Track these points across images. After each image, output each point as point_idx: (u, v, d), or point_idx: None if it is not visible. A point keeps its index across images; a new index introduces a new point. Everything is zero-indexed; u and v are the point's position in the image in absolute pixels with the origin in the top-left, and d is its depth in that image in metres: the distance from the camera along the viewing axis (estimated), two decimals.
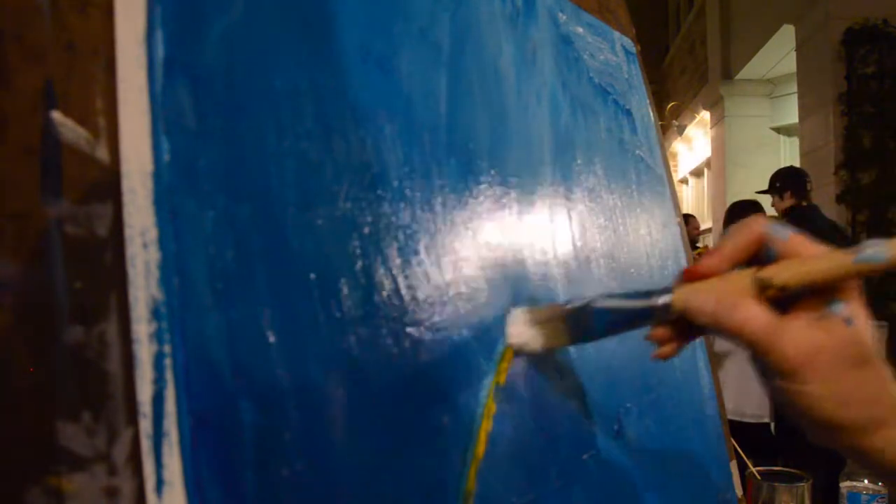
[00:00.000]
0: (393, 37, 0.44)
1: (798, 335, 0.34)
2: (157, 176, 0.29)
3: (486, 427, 0.43)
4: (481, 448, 0.42)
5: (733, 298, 0.35)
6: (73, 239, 0.26)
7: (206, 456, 0.28)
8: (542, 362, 0.49)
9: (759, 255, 0.37)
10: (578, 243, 0.59)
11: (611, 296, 0.42)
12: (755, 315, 0.34)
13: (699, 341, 0.78)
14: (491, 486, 0.42)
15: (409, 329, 0.40)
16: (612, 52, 0.74)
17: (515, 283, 0.49)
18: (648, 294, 0.39)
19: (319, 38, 0.39)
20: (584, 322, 0.43)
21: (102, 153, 0.28)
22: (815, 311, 0.35)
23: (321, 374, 0.34)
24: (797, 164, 3.97)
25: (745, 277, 0.36)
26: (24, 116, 0.26)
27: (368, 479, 0.35)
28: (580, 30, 0.67)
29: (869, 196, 3.84)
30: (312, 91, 0.38)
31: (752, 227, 0.37)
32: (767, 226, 0.36)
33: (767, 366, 0.35)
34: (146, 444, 0.26)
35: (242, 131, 0.33)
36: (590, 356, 0.55)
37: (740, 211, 2.32)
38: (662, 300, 0.38)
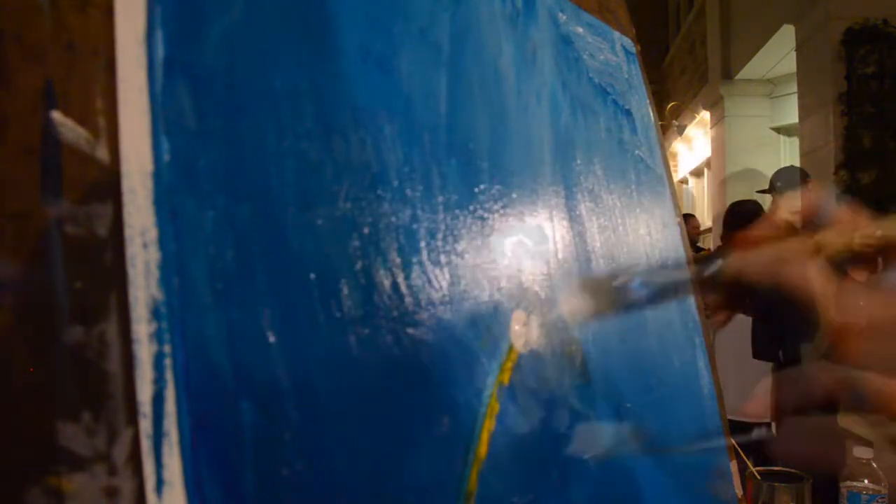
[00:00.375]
0: (393, 37, 0.44)
1: (852, 293, 0.34)
2: (157, 176, 0.29)
3: (488, 427, 0.43)
4: (483, 448, 0.42)
5: (787, 254, 0.36)
6: (73, 239, 0.26)
7: (206, 456, 0.28)
8: (543, 362, 0.49)
9: (808, 225, 0.38)
10: (578, 243, 0.59)
11: (658, 268, 0.43)
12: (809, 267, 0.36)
13: (699, 341, 0.78)
14: (492, 486, 0.42)
15: (409, 329, 0.40)
16: (612, 52, 0.74)
17: (516, 283, 0.49)
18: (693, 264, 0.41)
19: (319, 38, 0.39)
20: (629, 292, 0.44)
21: (102, 153, 0.28)
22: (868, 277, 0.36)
23: (321, 374, 0.34)
24: (797, 165, 3.97)
25: (797, 242, 0.37)
26: (24, 116, 0.26)
27: (369, 480, 0.35)
28: (580, 30, 0.67)
29: (869, 196, 3.84)
30: (312, 91, 0.38)
31: (807, 195, 0.38)
32: (820, 195, 0.38)
33: (820, 321, 0.35)
34: (146, 444, 0.26)
35: (242, 131, 0.33)
36: (590, 357, 0.55)
37: (740, 210, 2.32)
38: (713, 266, 0.40)
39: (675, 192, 0.84)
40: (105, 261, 0.27)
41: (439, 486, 0.39)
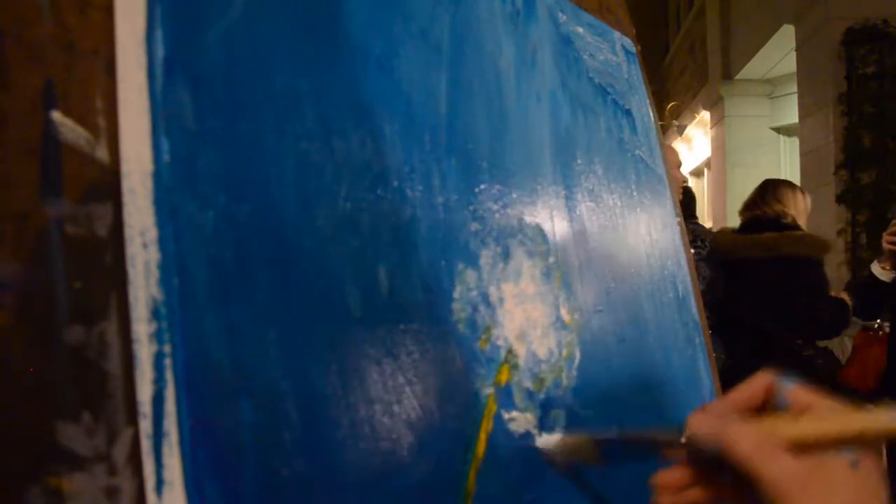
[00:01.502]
0: (393, 37, 0.44)
1: (793, 464, 0.32)
2: (157, 176, 0.29)
3: (486, 427, 0.43)
4: (481, 448, 0.42)
5: (731, 421, 0.34)
6: (73, 239, 0.26)
7: (206, 456, 0.28)
8: (540, 364, 0.50)
9: (769, 405, 0.36)
10: (578, 243, 0.59)
11: (637, 429, 0.42)
12: (749, 434, 0.33)
13: (699, 341, 0.78)
14: (490, 486, 0.42)
15: (409, 329, 0.40)
16: (612, 52, 0.74)
17: (516, 283, 0.49)
18: (673, 429, 0.38)
19: (319, 39, 0.39)
20: (610, 449, 0.44)
21: (102, 153, 0.28)
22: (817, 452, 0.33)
23: (321, 374, 0.34)
24: (797, 165, 3.97)
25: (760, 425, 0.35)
26: (24, 116, 0.26)
27: (368, 480, 0.35)
28: (580, 30, 0.67)
29: (869, 196, 3.84)
30: (312, 91, 0.38)
31: (761, 378, 0.36)
32: (775, 377, 0.36)
33: (760, 493, 0.33)
34: (146, 444, 0.26)
35: (242, 131, 0.33)
36: (590, 357, 0.55)
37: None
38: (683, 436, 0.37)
39: (675, 192, 0.84)
40: (105, 261, 0.27)
41: (438, 487, 0.39)
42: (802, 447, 0.33)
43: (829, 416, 0.34)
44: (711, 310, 1.89)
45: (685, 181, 2.17)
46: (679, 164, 2.06)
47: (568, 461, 0.47)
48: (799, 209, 2.08)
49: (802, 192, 2.15)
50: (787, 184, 2.16)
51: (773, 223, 2.03)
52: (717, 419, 0.35)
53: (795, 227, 2.03)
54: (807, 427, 0.33)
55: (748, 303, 1.98)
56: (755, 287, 1.97)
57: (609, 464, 0.46)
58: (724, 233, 2.22)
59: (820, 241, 2.03)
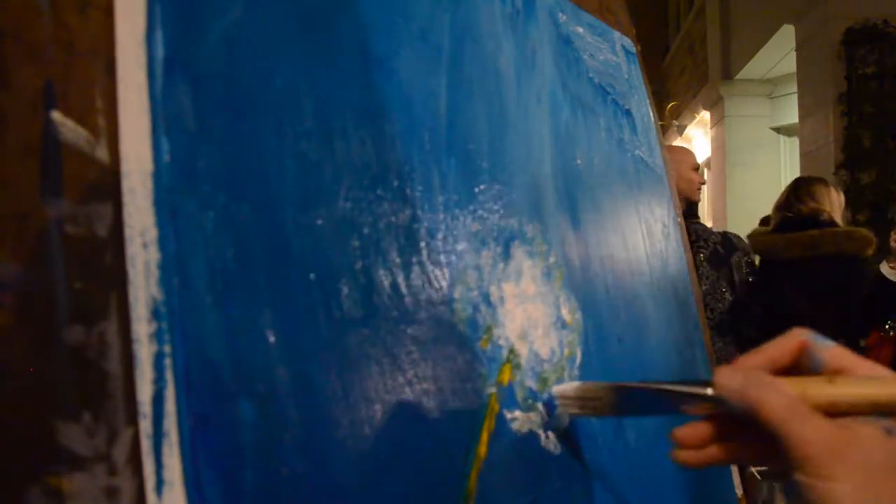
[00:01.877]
0: (393, 37, 0.44)
1: (825, 425, 0.31)
2: (157, 176, 0.29)
3: (488, 427, 0.43)
4: (483, 448, 0.42)
5: (761, 377, 0.33)
6: (73, 239, 0.26)
7: (206, 456, 0.28)
8: (542, 363, 0.49)
9: (802, 365, 0.35)
10: (579, 243, 0.59)
11: (658, 381, 0.40)
12: (780, 392, 0.32)
13: (699, 341, 0.78)
14: (492, 486, 0.42)
15: (409, 329, 0.40)
16: (612, 52, 0.74)
17: (516, 283, 0.49)
18: (698, 383, 0.36)
19: (319, 39, 0.39)
20: (628, 399, 0.42)
21: (102, 153, 0.28)
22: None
23: (321, 374, 0.34)
24: (797, 165, 3.97)
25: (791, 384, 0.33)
26: (24, 116, 0.26)
27: (369, 480, 0.35)
28: (580, 30, 0.67)
29: (869, 196, 3.85)
30: (312, 91, 0.38)
31: (795, 335, 0.35)
32: (810, 335, 0.35)
33: (787, 454, 0.31)
34: (146, 444, 0.26)
35: (242, 131, 0.33)
36: (592, 356, 0.55)
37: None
38: (707, 390, 0.35)
39: (675, 192, 0.84)
40: (105, 261, 0.27)
41: (440, 487, 0.39)
42: (835, 411, 0.32)
43: (864, 381, 0.32)
44: (742, 310, 1.87)
45: (703, 182, 2.15)
46: (696, 167, 2.04)
47: (583, 409, 0.45)
48: (834, 206, 2.05)
49: (836, 189, 2.12)
50: (820, 181, 2.13)
51: (810, 221, 1.99)
52: (747, 376, 0.33)
53: (833, 223, 2.00)
54: (841, 390, 0.32)
55: (797, 302, 1.95)
56: (802, 287, 1.95)
57: (625, 414, 0.44)
58: (757, 234, 2.19)
59: (864, 237, 1.98)
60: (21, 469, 0.23)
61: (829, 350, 0.34)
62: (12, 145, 0.25)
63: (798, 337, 0.35)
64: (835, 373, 0.33)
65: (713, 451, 0.35)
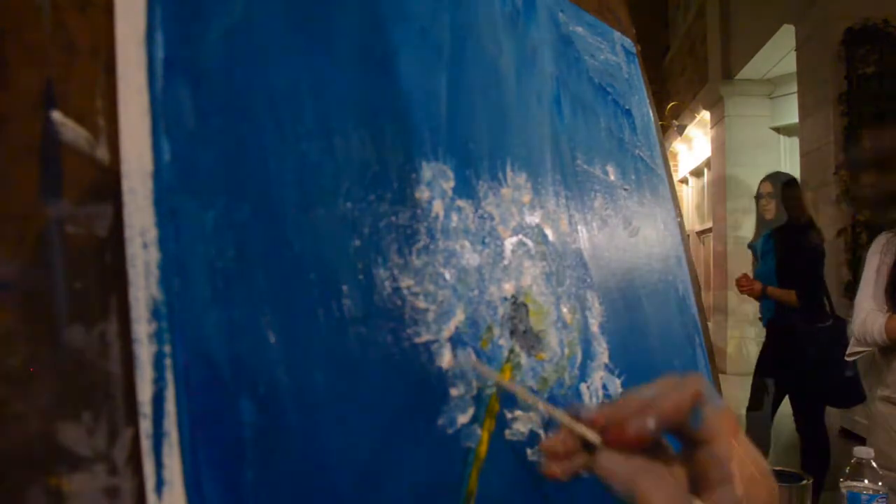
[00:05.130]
0: (393, 37, 0.44)
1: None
2: (157, 176, 0.29)
3: (489, 427, 0.43)
4: (483, 448, 0.42)
5: (645, 466, 0.33)
6: (73, 239, 0.26)
7: (206, 456, 0.28)
8: (543, 362, 0.49)
9: (684, 422, 0.33)
10: (579, 243, 0.59)
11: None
12: (663, 487, 0.32)
13: (699, 341, 0.78)
14: (493, 486, 0.42)
15: (409, 328, 0.40)
16: (612, 52, 0.74)
17: (517, 283, 0.49)
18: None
19: (319, 38, 0.39)
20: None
21: (102, 153, 0.28)
22: None
23: (321, 374, 0.34)
24: (797, 164, 3.97)
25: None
26: (24, 116, 0.26)
27: (369, 480, 0.35)
28: (580, 30, 0.67)
29: (869, 196, 3.84)
30: (312, 91, 0.38)
31: (692, 384, 0.33)
32: (704, 388, 0.33)
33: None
34: (146, 444, 0.26)
35: (242, 131, 0.33)
36: (592, 356, 0.55)
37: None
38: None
39: (675, 192, 0.84)
40: (105, 261, 0.27)
41: (440, 486, 0.39)
42: None
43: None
44: None
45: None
46: None
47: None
48: None
49: None
50: None
51: None
52: (628, 461, 0.33)
53: None
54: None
55: None
56: None
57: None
58: None
59: None
60: (21, 469, 0.23)
61: (715, 412, 0.33)
62: (12, 145, 0.25)
63: (694, 386, 0.33)
64: (705, 440, 0.33)
65: (582, 460, 0.35)
